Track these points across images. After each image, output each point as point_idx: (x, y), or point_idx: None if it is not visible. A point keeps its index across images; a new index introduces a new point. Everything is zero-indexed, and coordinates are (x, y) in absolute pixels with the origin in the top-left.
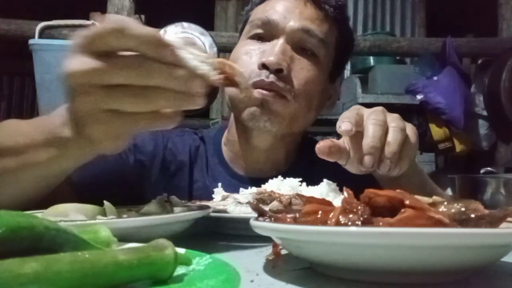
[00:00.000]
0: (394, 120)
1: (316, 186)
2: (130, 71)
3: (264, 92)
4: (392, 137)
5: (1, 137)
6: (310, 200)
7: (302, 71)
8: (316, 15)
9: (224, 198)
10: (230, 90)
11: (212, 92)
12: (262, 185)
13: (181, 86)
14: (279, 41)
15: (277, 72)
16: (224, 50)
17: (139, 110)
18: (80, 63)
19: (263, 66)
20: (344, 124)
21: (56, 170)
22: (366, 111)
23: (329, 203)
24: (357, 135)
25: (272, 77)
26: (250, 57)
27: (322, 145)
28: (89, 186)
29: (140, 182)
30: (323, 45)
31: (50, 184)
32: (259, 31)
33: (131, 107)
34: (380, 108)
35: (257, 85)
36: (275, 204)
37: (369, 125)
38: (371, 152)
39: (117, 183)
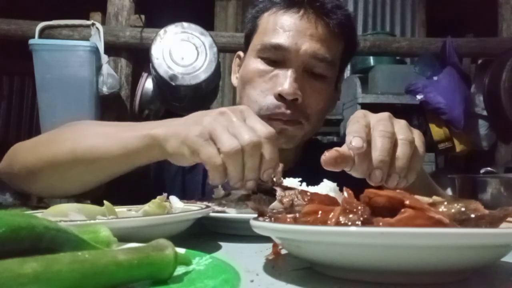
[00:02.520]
0: (402, 131)
1: (316, 186)
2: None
3: (283, 125)
4: (401, 152)
5: (96, 134)
6: (314, 197)
7: (313, 95)
8: (325, 35)
9: (226, 195)
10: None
11: (212, 91)
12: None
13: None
14: (290, 69)
15: (292, 101)
16: (224, 50)
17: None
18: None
19: (280, 96)
20: (355, 140)
21: (130, 165)
22: (372, 119)
23: (333, 200)
24: None
25: (290, 111)
26: (264, 81)
27: (328, 157)
28: (117, 187)
29: (162, 178)
30: (331, 67)
31: (115, 176)
32: (271, 55)
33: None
34: (386, 115)
35: (277, 118)
36: (276, 205)
37: (377, 138)
38: (380, 166)
39: (142, 175)
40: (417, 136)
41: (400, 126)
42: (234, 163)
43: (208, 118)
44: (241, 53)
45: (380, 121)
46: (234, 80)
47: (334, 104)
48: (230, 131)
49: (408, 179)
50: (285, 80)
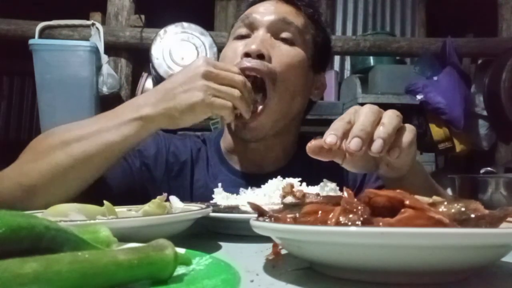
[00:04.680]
0: (390, 110)
1: (316, 186)
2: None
3: (249, 65)
4: (386, 119)
5: (86, 124)
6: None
7: (282, 56)
8: (290, 10)
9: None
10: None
11: None
12: (262, 185)
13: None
14: (259, 31)
15: (259, 57)
16: None
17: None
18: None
19: (246, 55)
20: (329, 137)
21: (124, 148)
22: (362, 109)
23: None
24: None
25: (254, 61)
26: (235, 54)
27: (313, 145)
28: (102, 190)
29: (146, 184)
30: (299, 34)
31: (109, 167)
32: (242, 30)
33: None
34: (376, 106)
35: (243, 70)
36: (289, 199)
37: (360, 115)
38: (359, 134)
39: (126, 185)
40: (407, 125)
41: (389, 110)
42: (245, 101)
43: (199, 82)
44: None
45: (367, 106)
46: None
47: (319, 93)
48: (221, 82)
49: (394, 153)
50: (252, 41)
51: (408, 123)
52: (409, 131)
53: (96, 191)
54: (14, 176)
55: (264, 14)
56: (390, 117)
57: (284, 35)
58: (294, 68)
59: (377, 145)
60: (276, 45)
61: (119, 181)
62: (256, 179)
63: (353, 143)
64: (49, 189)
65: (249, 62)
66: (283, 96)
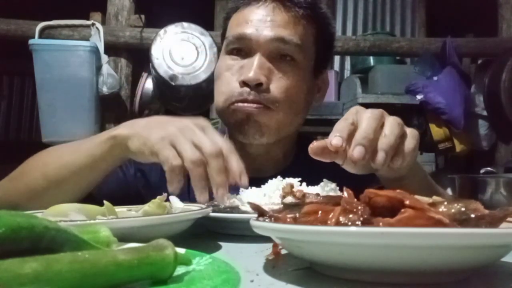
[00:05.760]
0: (392, 117)
1: (316, 186)
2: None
3: (247, 105)
4: (389, 129)
5: (69, 146)
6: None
7: (281, 79)
8: (288, 19)
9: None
10: (217, 105)
11: (212, 91)
12: (262, 185)
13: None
14: (255, 56)
15: (257, 86)
16: None
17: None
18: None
19: (244, 83)
20: (335, 139)
21: (100, 172)
22: (363, 113)
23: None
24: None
25: (253, 94)
26: (231, 74)
27: (315, 146)
28: (97, 198)
29: (141, 190)
30: (300, 49)
31: (89, 189)
32: (236, 46)
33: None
34: (379, 110)
35: (242, 102)
36: (289, 199)
37: (363, 119)
38: (362, 143)
39: (120, 192)
40: (410, 130)
41: (391, 116)
42: (197, 169)
43: (172, 127)
44: None
45: (369, 110)
46: None
47: (321, 96)
48: (193, 142)
49: (400, 163)
50: (250, 68)
51: (408, 123)
52: (412, 137)
53: (91, 198)
54: (1, 192)
55: (259, 30)
56: (392, 126)
57: (283, 53)
58: (294, 89)
59: (380, 158)
60: (274, 69)
61: (113, 189)
62: (256, 183)
63: (356, 152)
64: (27, 207)
65: (249, 95)
66: (284, 116)
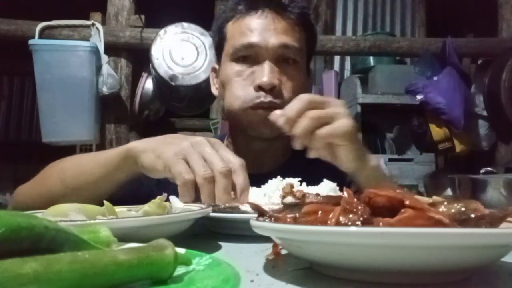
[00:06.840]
0: (339, 104)
1: (316, 186)
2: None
3: (265, 113)
4: (325, 107)
5: (88, 156)
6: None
7: (288, 81)
8: (287, 26)
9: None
10: (232, 108)
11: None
12: (262, 184)
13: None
14: (265, 62)
15: (271, 89)
16: None
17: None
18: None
19: (259, 88)
20: (273, 116)
21: (115, 183)
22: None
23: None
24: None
25: (269, 97)
26: (243, 79)
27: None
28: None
29: (149, 189)
30: (300, 52)
31: (105, 197)
32: (243, 53)
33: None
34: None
35: (258, 106)
36: (289, 199)
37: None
38: (283, 113)
39: (134, 194)
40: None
41: (338, 101)
42: (208, 186)
43: (186, 142)
44: (216, 66)
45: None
46: (214, 90)
47: (310, 89)
48: (204, 159)
49: (323, 130)
50: (263, 73)
51: (408, 123)
52: (348, 119)
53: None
54: (24, 194)
55: (265, 39)
56: (329, 108)
57: (286, 56)
58: (299, 88)
59: (301, 123)
60: (282, 72)
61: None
62: (256, 179)
63: (272, 115)
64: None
65: (265, 99)
66: None
